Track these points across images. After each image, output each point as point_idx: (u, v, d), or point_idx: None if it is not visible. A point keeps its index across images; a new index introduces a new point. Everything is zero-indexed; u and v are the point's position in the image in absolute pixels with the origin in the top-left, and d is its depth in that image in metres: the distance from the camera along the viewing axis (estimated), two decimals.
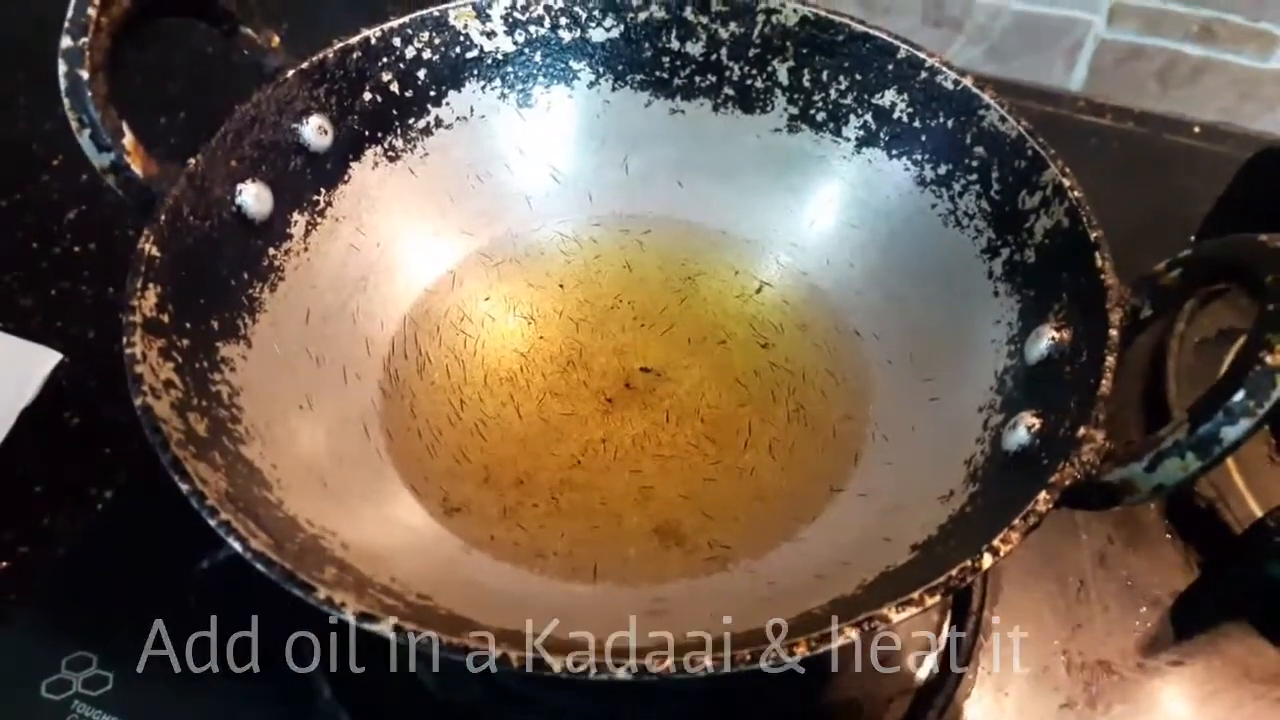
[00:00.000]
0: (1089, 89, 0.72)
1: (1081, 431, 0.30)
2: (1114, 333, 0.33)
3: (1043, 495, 0.29)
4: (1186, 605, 0.45)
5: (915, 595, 0.26)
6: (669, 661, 0.25)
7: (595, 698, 0.41)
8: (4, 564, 0.45)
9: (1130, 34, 0.69)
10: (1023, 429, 0.33)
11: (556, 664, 0.25)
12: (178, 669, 0.41)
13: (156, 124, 0.61)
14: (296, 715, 0.39)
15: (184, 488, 0.28)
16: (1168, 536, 0.47)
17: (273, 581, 0.27)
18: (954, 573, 0.27)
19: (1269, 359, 0.27)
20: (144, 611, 0.42)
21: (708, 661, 0.25)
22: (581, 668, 0.25)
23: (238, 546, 0.27)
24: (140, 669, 0.41)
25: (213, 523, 0.27)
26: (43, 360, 0.50)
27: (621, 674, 0.25)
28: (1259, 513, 0.45)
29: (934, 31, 0.73)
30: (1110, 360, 0.32)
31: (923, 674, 0.42)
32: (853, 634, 0.26)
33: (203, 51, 0.66)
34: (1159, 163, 0.66)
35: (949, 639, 0.43)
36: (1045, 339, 0.35)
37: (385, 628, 0.25)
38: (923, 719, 0.40)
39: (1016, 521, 0.28)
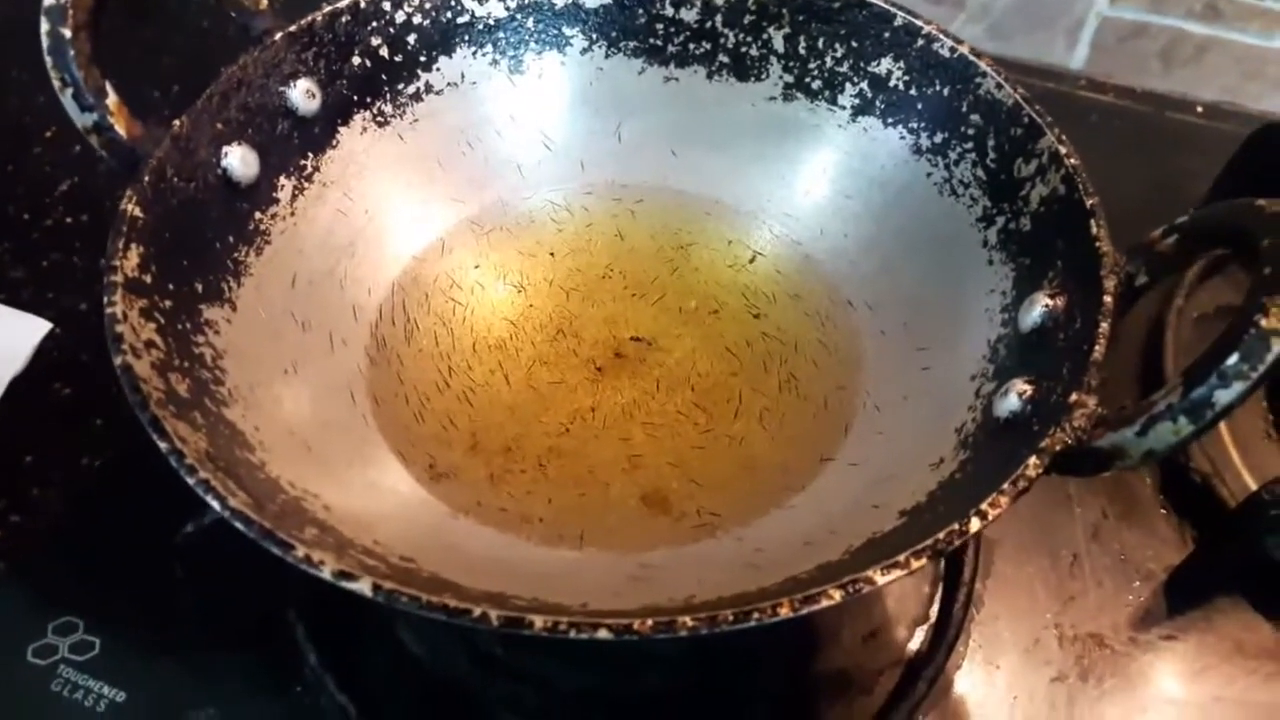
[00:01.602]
0: (1091, 67, 0.71)
1: (1073, 397, 0.30)
2: (1108, 299, 0.32)
3: (1033, 460, 0.28)
4: (1180, 580, 0.45)
5: (901, 558, 0.26)
6: (650, 621, 0.24)
7: (584, 669, 0.41)
8: None
9: (1133, 11, 0.69)
10: (1014, 395, 0.33)
11: (538, 621, 0.24)
12: (164, 635, 0.41)
13: (150, 98, 0.61)
14: (281, 681, 0.39)
15: (162, 446, 0.27)
16: (1162, 511, 0.47)
17: (255, 545, 0.27)
18: (941, 536, 0.27)
19: (1263, 322, 0.26)
20: (131, 578, 0.42)
21: (689, 621, 0.25)
22: (562, 627, 0.24)
23: (216, 505, 0.26)
24: (127, 635, 0.41)
25: (191, 481, 0.27)
26: (33, 330, 0.49)
27: (602, 634, 0.24)
28: (1254, 487, 0.45)
29: (935, 9, 0.72)
30: (1104, 326, 0.31)
31: (914, 646, 0.42)
32: (837, 595, 0.25)
33: (198, 26, 0.65)
34: (1161, 141, 0.66)
35: (939, 612, 0.43)
36: (1039, 306, 0.35)
37: (364, 586, 0.25)
38: (912, 690, 0.40)
39: (1005, 486, 0.28)
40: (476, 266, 0.44)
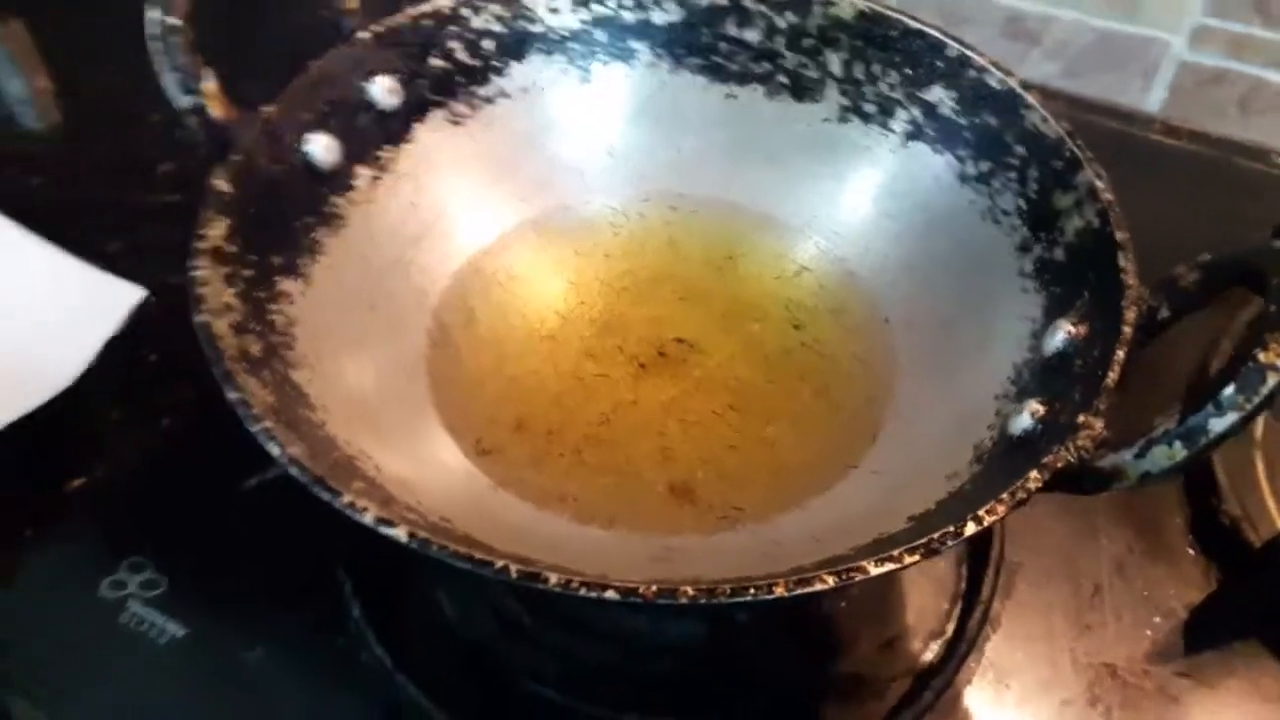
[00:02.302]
0: (1167, 111, 0.71)
1: (1081, 419, 0.31)
2: (1127, 329, 0.33)
3: (1033, 474, 0.30)
4: (1199, 619, 0.45)
5: (895, 553, 0.28)
6: (655, 587, 0.27)
7: (604, 644, 0.43)
8: (80, 480, 0.48)
9: (1213, 57, 0.69)
10: (1027, 415, 0.34)
11: (553, 578, 0.27)
12: (224, 580, 0.44)
13: (245, 86, 0.64)
14: (327, 632, 0.42)
15: (232, 396, 0.30)
16: (1190, 551, 0.47)
17: (310, 500, 0.29)
18: (935, 536, 0.28)
19: (1262, 356, 0.28)
20: (198, 527, 0.46)
21: (690, 590, 0.27)
22: (574, 585, 0.27)
23: (275, 451, 0.29)
24: (191, 577, 0.44)
25: (254, 429, 0.30)
26: (128, 295, 0.53)
27: (609, 594, 0.27)
28: None
29: (1010, 44, 0.73)
30: (1120, 354, 0.33)
31: (927, 658, 0.44)
32: (830, 580, 0.27)
33: (293, 21, 0.69)
34: (1234, 189, 0.66)
35: (955, 627, 0.44)
36: (1062, 332, 0.36)
37: (400, 533, 0.28)
38: (919, 699, 0.41)
39: (1004, 495, 0.29)
40: (535, 263, 0.47)
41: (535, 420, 0.41)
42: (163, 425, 0.50)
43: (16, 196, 0.59)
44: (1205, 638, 0.45)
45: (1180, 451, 0.28)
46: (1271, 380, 0.27)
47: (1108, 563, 0.47)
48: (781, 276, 0.47)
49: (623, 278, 0.47)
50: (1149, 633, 0.45)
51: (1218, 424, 0.28)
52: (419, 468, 0.36)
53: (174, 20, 0.36)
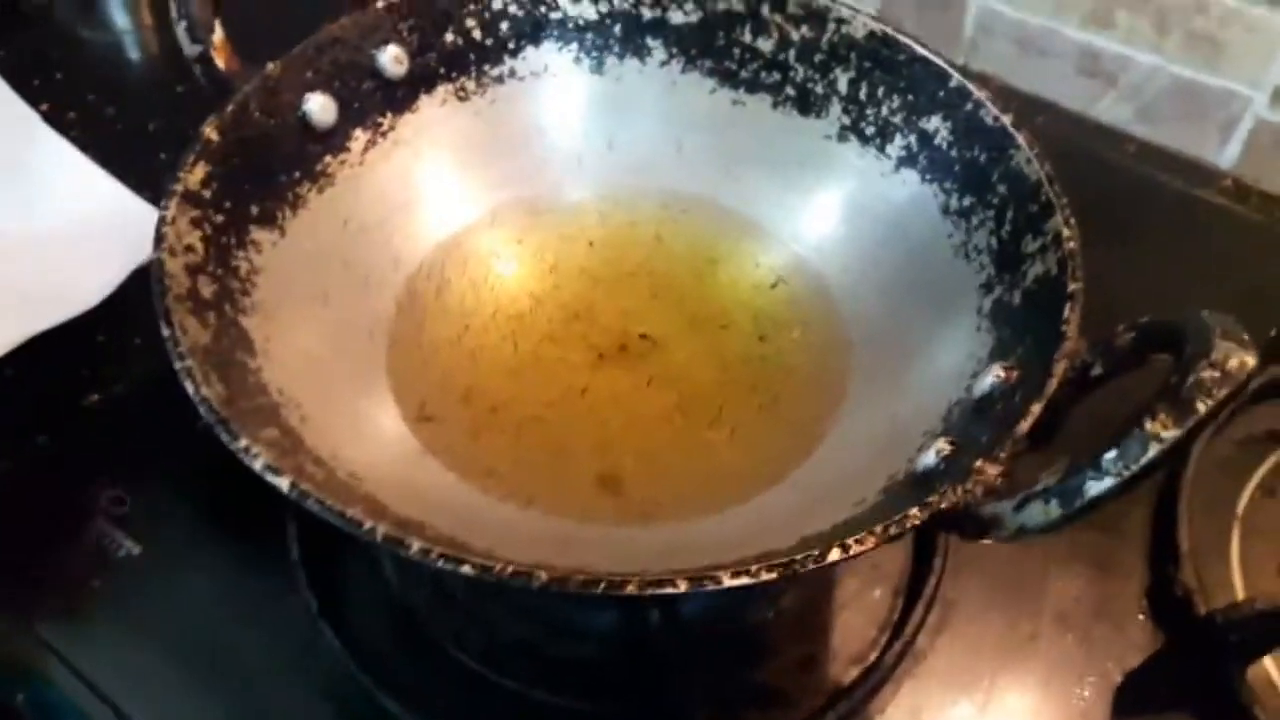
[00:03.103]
0: (1240, 168, 0.69)
1: (978, 463, 0.31)
2: (1052, 382, 0.33)
3: (914, 510, 0.30)
4: (1131, 685, 0.44)
5: (752, 568, 0.28)
6: (509, 567, 0.28)
7: (527, 623, 0.44)
8: (95, 396, 0.51)
9: None
10: (933, 452, 0.34)
11: (415, 544, 0.28)
12: (182, 509, 0.47)
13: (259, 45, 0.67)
14: (266, 570, 0.44)
15: (164, 332, 0.32)
16: (1140, 616, 0.47)
17: None
18: (797, 558, 0.29)
19: (1148, 425, 0.27)
20: (171, 458, 0.48)
21: (544, 576, 0.28)
22: (434, 555, 0.28)
23: (190, 390, 0.31)
24: (154, 502, 0.47)
25: (176, 365, 0.32)
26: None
27: (466, 569, 0.28)
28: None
29: (1087, 81, 0.71)
30: (1036, 407, 0.32)
31: (844, 680, 0.44)
32: (683, 585, 0.28)
33: None
34: None
35: (878, 655, 0.44)
36: (991, 376, 0.36)
37: (283, 482, 0.29)
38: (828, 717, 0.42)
39: (877, 528, 0.29)
40: (519, 241, 0.48)
41: (483, 394, 0.43)
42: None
43: (93, 123, 0.62)
44: (1135, 705, 0.44)
45: (1056, 511, 0.28)
46: (1153, 450, 0.27)
47: (1051, 611, 0.46)
48: (757, 286, 0.47)
49: (602, 267, 0.48)
50: (1078, 690, 0.44)
51: (1095, 487, 0.27)
52: (350, 423, 0.38)
53: None
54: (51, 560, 0.45)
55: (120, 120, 0.64)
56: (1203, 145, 0.69)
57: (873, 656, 0.44)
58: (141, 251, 0.53)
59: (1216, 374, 0.27)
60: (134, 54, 0.73)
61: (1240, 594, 0.48)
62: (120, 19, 0.73)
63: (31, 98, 0.59)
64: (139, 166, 0.57)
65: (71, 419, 0.50)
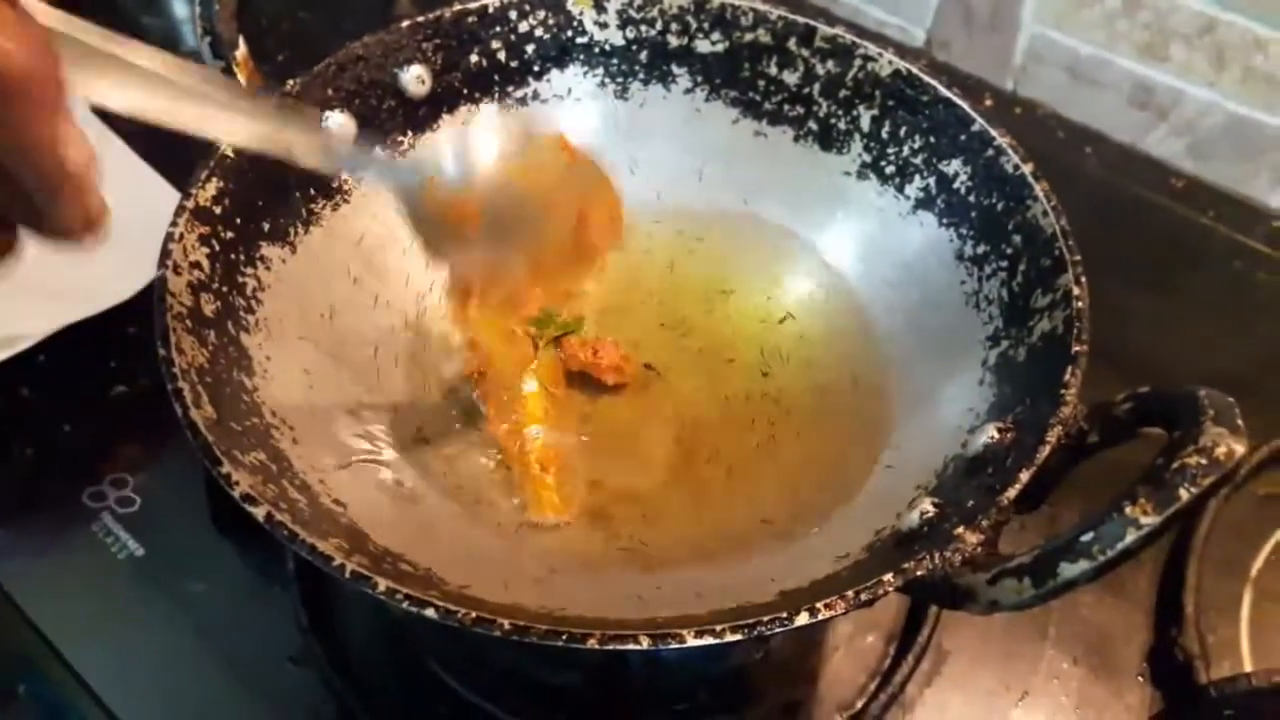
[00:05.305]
0: None
1: (959, 530, 0.30)
2: (1044, 449, 0.32)
3: (889, 576, 0.29)
4: None
5: (716, 628, 0.28)
6: (475, 614, 0.28)
7: (515, 646, 0.44)
8: (121, 388, 0.52)
9: None
10: (917, 513, 0.33)
11: (382, 584, 0.28)
12: (187, 513, 0.47)
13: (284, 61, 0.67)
14: (264, 573, 0.45)
15: (160, 352, 0.33)
16: (1139, 679, 0.46)
17: None
18: (765, 619, 0.28)
19: (1128, 509, 0.26)
20: (184, 460, 0.49)
21: (506, 625, 0.28)
22: (398, 597, 0.28)
23: (179, 412, 0.32)
24: (162, 505, 0.47)
25: (169, 386, 0.32)
26: None
27: (429, 613, 0.28)
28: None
29: (1139, 114, 0.70)
30: (1025, 475, 0.32)
31: None
32: (645, 642, 0.28)
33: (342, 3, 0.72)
34: None
35: (865, 704, 0.43)
36: (985, 436, 0.35)
37: (259, 512, 0.29)
38: None
39: (849, 592, 0.29)
40: None
41: (481, 419, 0.43)
42: None
43: None
44: None
45: (1029, 589, 0.27)
46: (1130, 537, 0.26)
47: (1046, 669, 0.45)
48: (766, 321, 0.47)
49: (613, 294, 0.48)
50: None
51: (1069, 569, 0.27)
52: (342, 446, 0.38)
53: None
54: (58, 557, 0.46)
55: None
56: (1253, 185, 0.68)
57: (859, 704, 0.44)
58: None
59: (1203, 461, 0.27)
60: (189, 44, 0.74)
61: (1247, 660, 0.46)
62: (180, 8, 0.74)
63: None
64: (180, 158, 0.58)
65: (96, 410, 0.51)
